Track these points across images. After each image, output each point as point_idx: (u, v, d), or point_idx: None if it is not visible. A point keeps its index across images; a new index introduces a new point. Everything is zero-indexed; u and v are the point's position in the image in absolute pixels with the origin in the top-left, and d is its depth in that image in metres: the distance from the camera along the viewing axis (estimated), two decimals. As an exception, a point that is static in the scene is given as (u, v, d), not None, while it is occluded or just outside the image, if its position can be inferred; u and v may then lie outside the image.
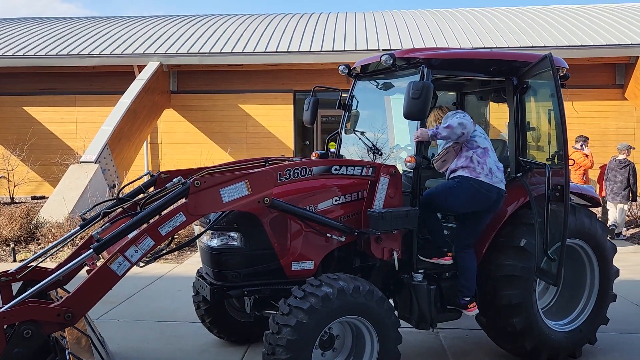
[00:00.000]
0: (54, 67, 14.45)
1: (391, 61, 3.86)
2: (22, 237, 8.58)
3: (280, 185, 3.44)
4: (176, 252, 8.17)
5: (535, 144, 4.53)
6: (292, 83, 14.52)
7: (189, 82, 15.02)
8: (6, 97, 14.90)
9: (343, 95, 4.85)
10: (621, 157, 9.80)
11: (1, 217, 8.81)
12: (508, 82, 4.22)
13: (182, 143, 14.97)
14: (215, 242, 3.59)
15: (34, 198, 14.34)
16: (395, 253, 3.75)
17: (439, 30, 14.92)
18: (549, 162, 4.14)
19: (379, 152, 4.31)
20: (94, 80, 15.00)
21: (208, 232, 3.62)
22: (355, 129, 4.62)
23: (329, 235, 3.64)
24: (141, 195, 3.68)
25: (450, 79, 4.71)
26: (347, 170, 3.63)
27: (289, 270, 3.62)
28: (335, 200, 3.79)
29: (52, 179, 13.65)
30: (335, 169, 3.60)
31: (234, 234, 3.56)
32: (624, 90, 13.92)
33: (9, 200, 13.65)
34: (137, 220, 3.04)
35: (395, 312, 3.53)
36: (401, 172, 3.93)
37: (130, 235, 3.02)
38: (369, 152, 4.37)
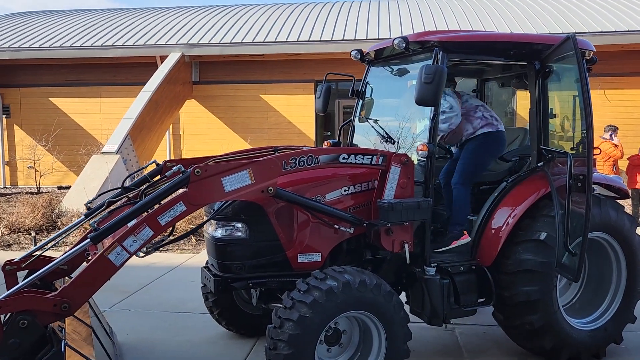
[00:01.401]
0: (78, 58, 14.64)
1: (404, 45, 3.68)
2: (44, 226, 8.71)
3: (286, 174, 3.32)
4: (194, 243, 8.17)
5: (559, 133, 4.28)
6: (314, 73, 14.36)
7: (211, 73, 15.02)
8: (33, 89, 15.20)
9: (357, 82, 4.69)
10: None
11: (24, 206, 8.96)
12: (530, 67, 3.98)
13: (204, 133, 15.02)
14: (219, 233, 3.49)
15: (60, 188, 14.62)
16: (406, 245, 3.59)
17: (465, 16, 14.51)
18: (573, 152, 3.90)
19: (392, 141, 4.14)
20: (118, 72, 15.15)
21: (213, 222, 3.54)
22: (369, 117, 4.45)
23: (337, 226, 3.50)
24: (146, 185, 3.60)
25: (469, 64, 4.50)
26: (356, 159, 3.49)
27: (295, 263, 3.50)
28: (344, 191, 3.65)
29: (77, 169, 13.87)
30: (344, 158, 3.46)
31: (239, 225, 3.46)
32: (660, 78, 13.30)
33: (36, 190, 13.95)
34: (136, 210, 2.96)
35: (405, 308, 3.37)
36: (415, 161, 3.76)
37: (130, 225, 2.94)
38: (383, 141, 4.20)
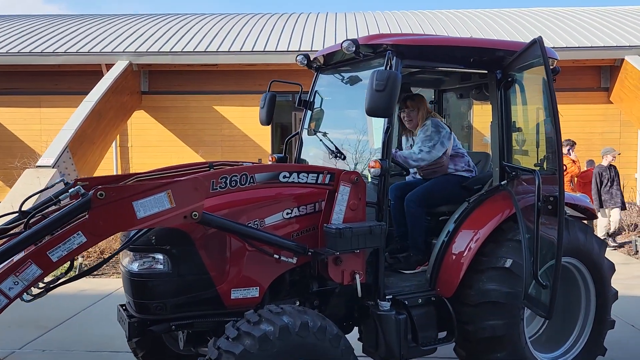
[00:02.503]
0: (16, 65, 13.68)
1: (354, 48, 3.26)
2: (-38, 249, 7.77)
3: (216, 195, 2.81)
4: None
5: (522, 147, 3.96)
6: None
7: (161, 83, 14.33)
8: (-35, 97, 14.07)
9: (306, 92, 4.25)
10: (604, 162, 9.42)
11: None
12: (491, 76, 3.64)
13: (154, 146, 14.27)
14: (136, 266, 2.93)
15: (-8, 204, 13.47)
16: (357, 277, 3.13)
17: (423, 32, 14.44)
18: (538, 168, 3.58)
19: (343, 156, 3.69)
20: (60, 80, 14.25)
21: (129, 253, 2.97)
22: (318, 130, 4.00)
23: (277, 256, 3.00)
24: (44, 209, 2.99)
25: (426, 72, 4.15)
26: (299, 178, 3.01)
27: (227, 299, 2.98)
28: (287, 214, 3.17)
29: (12, 184, 12.80)
30: (285, 177, 2.98)
31: (160, 256, 2.91)
32: (609, 93, 13.61)
33: (-36, 207, 12.77)
34: (20, 242, 2.38)
35: (355, 353, 2.89)
36: (368, 179, 3.33)
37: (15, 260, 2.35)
38: (332, 156, 3.74)
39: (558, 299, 3.77)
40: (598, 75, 13.74)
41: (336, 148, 3.75)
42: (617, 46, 12.89)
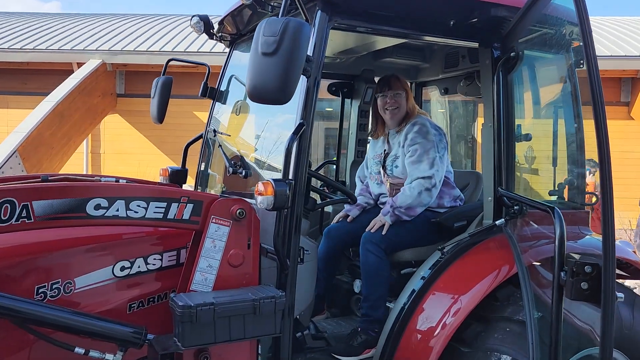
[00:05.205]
0: (-19, 62, 12.70)
1: (252, -5, 1.94)
2: None
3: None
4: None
5: (530, 166, 2.59)
6: (254, 88, 12.73)
7: (138, 85, 13.28)
8: None
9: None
10: None
11: None
12: (483, 52, 2.29)
13: (128, 153, 13.23)
14: None
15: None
16: (238, 382, 1.79)
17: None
18: (556, 198, 2.25)
19: (245, 172, 2.32)
20: (29, 79, 13.30)
21: None
22: (221, 131, 2.69)
23: (80, 350, 1.66)
24: None
25: (394, 55, 2.84)
26: (127, 211, 1.68)
27: None
28: (122, 269, 1.84)
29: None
30: (98, 207, 1.64)
31: None
32: (630, 108, 12.38)
33: None
34: None
35: None
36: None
37: None
38: (230, 172, 2.38)
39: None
40: (618, 87, 12.52)
41: (242, 159, 2.38)
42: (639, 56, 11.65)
